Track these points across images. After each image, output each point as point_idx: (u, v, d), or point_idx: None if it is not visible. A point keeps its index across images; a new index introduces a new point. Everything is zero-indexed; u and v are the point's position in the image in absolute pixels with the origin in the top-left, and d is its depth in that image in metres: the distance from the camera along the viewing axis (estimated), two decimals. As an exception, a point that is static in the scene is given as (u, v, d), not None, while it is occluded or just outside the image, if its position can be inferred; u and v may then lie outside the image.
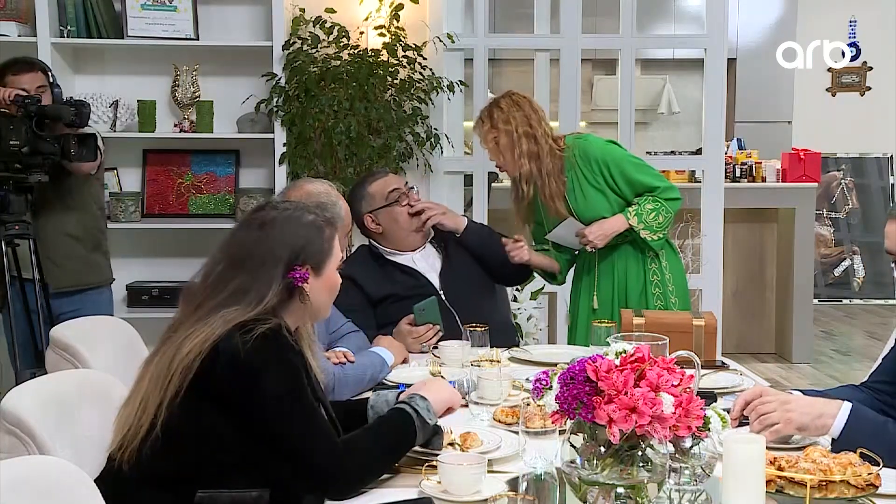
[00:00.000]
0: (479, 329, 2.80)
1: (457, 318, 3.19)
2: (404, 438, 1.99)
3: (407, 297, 3.21)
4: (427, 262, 3.36)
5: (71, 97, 3.74)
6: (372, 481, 1.91)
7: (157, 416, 1.84)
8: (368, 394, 2.49)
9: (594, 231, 3.39)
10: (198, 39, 4.55)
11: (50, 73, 3.73)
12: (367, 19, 4.56)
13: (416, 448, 2.03)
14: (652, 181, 3.43)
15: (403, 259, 3.34)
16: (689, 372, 1.69)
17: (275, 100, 4.49)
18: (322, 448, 1.87)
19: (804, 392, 2.33)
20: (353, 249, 3.69)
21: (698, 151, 5.62)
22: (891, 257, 2.24)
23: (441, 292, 3.28)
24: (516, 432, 2.05)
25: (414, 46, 4.56)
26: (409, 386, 2.33)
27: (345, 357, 2.71)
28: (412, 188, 3.39)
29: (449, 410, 2.32)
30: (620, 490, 1.60)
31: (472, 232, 3.46)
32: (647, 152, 7.64)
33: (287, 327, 1.95)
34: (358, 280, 3.24)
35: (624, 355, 1.62)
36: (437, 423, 2.06)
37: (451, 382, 2.42)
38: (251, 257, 1.97)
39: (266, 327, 1.88)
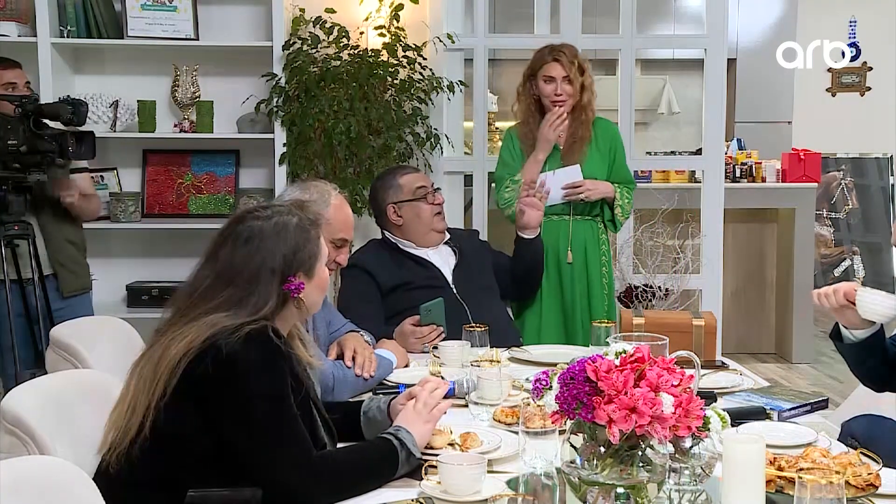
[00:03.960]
0: (478, 329, 2.80)
1: (468, 311, 3.24)
2: (383, 468, 1.92)
3: (419, 287, 3.26)
4: (441, 258, 3.43)
5: (68, 95, 3.74)
6: (339, 501, 1.84)
7: (146, 417, 1.83)
8: (368, 395, 2.50)
9: (594, 182, 3.76)
10: (198, 39, 4.55)
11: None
12: (367, 19, 4.57)
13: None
14: (630, 176, 3.91)
15: (418, 252, 3.40)
16: (688, 372, 1.69)
17: (275, 100, 4.48)
18: (291, 459, 1.82)
19: None
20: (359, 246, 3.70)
21: (698, 151, 5.62)
22: None
23: (453, 287, 3.35)
24: (516, 432, 2.04)
25: (414, 46, 4.56)
26: (408, 386, 2.32)
27: (367, 361, 2.68)
28: (437, 189, 3.49)
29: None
30: (620, 490, 1.60)
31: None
32: (647, 152, 7.63)
33: (276, 330, 1.92)
34: (371, 270, 3.30)
35: (624, 355, 1.62)
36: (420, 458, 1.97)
37: (451, 382, 2.42)
38: (241, 274, 1.93)
39: (252, 328, 1.86)
